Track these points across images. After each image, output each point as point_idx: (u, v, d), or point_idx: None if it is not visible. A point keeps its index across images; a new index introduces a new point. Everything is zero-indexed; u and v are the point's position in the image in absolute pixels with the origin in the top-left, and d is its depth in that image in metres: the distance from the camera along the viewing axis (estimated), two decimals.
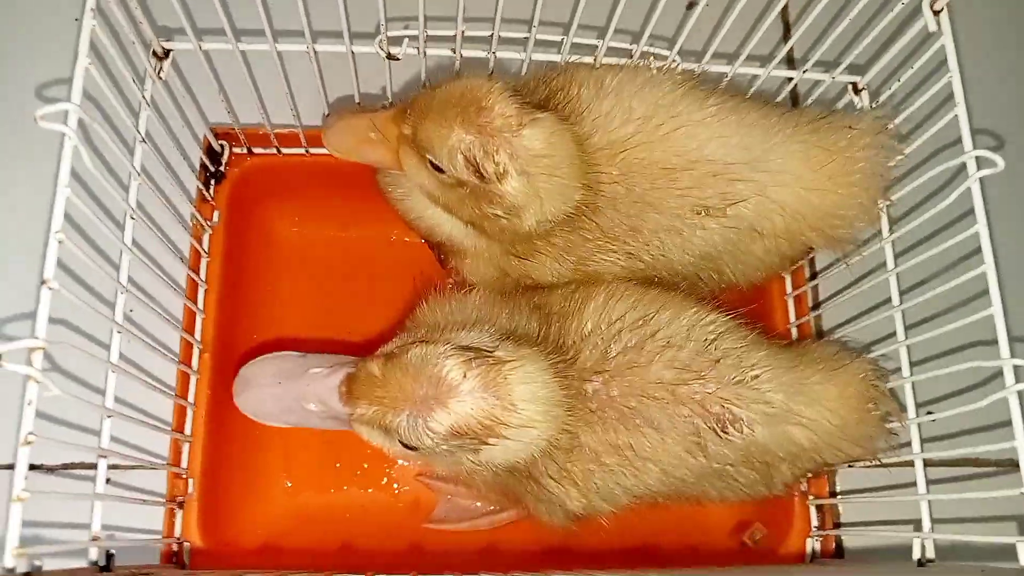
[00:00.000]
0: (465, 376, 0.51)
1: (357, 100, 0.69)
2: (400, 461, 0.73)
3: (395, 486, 0.73)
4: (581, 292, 0.61)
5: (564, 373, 0.55)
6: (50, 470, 0.66)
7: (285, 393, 0.59)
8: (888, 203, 0.64)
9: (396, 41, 0.63)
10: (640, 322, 0.58)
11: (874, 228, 0.65)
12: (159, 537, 0.63)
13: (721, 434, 0.57)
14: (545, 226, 0.58)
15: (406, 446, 0.53)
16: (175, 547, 0.63)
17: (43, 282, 0.44)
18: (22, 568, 0.40)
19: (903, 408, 0.64)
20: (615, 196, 0.60)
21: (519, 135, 0.54)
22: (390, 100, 0.69)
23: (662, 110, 0.60)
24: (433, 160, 0.56)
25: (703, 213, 0.60)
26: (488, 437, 0.51)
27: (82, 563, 0.49)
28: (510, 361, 0.52)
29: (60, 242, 0.45)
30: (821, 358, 0.63)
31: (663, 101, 0.60)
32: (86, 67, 0.48)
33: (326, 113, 0.70)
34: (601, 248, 0.62)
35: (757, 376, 0.58)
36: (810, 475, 0.69)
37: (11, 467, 0.42)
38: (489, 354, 0.52)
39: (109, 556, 0.50)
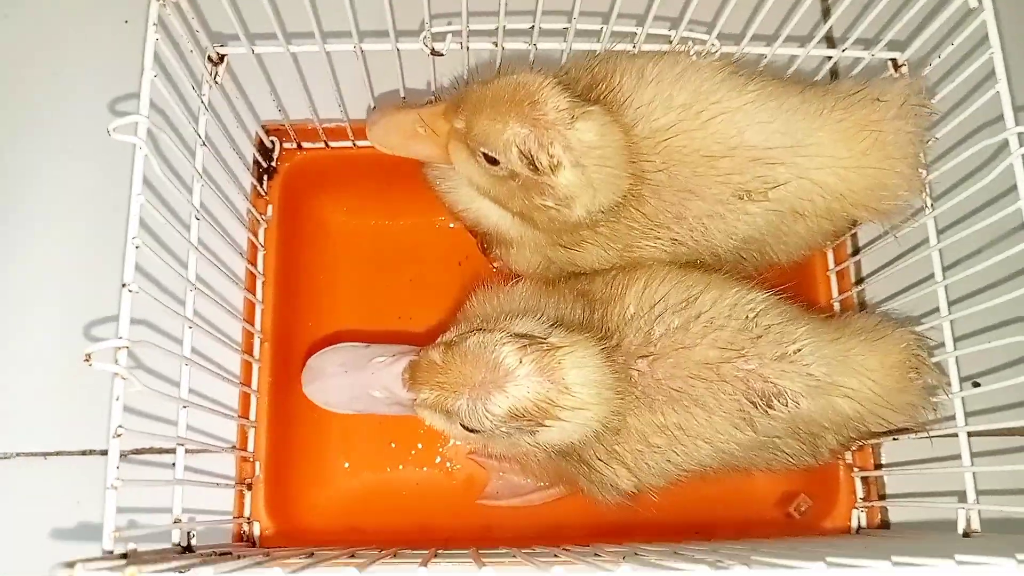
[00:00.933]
0: (521, 361, 0.53)
1: (402, 95, 0.70)
2: (457, 442, 0.75)
3: (448, 464, 0.76)
4: (622, 277, 0.63)
5: (613, 357, 0.57)
6: (125, 455, 0.70)
7: (352, 382, 0.62)
8: (927, 170, 0.64)
9: (440, 37, 0.65)
10: (683, 303, 0.60)
11: (919, 197, 0.65)
12: (231, 517, 0.66)
13: (767, 409, 0.58)
14: (594, 216, 0.59)
15: (467, 429, 0.56)
16: (245, 526, 0.67)
17: (123, 285, 0.47)
18: (119, 550, 0.44)
19: (945, 376, 0.64)
20: (659, 184, 0.61)
21: (572, 128, 0.55)
22: (434, 95, 0.70)
23: (702, 97, 0.61)
24: (488, 153, 0.57)
25: (745, 198, 0.61)
26: (544, 419, 0.54)
27: (166, 544, 0.53)
28: (563, 347, 0.54)
29: (137, 247, 0.48)
30: (863, 329, 0.64)
31: (703, 88, 0.61)
32: (151, 80, 0.51)
33: (372, 106, 0.72)
34: (647, 235, 0.63)
35: (799, 350, 0.59)
36: (855, 444, 0.70)
37: (103, 452, 0.45)
38: (543, 340, 0.54)
39: (190, 537, 0.53)
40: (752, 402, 0.58)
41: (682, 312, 0.60)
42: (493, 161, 0.57)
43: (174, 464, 0.56)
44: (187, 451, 0.57)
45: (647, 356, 0.59)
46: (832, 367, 0.60)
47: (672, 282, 0.61)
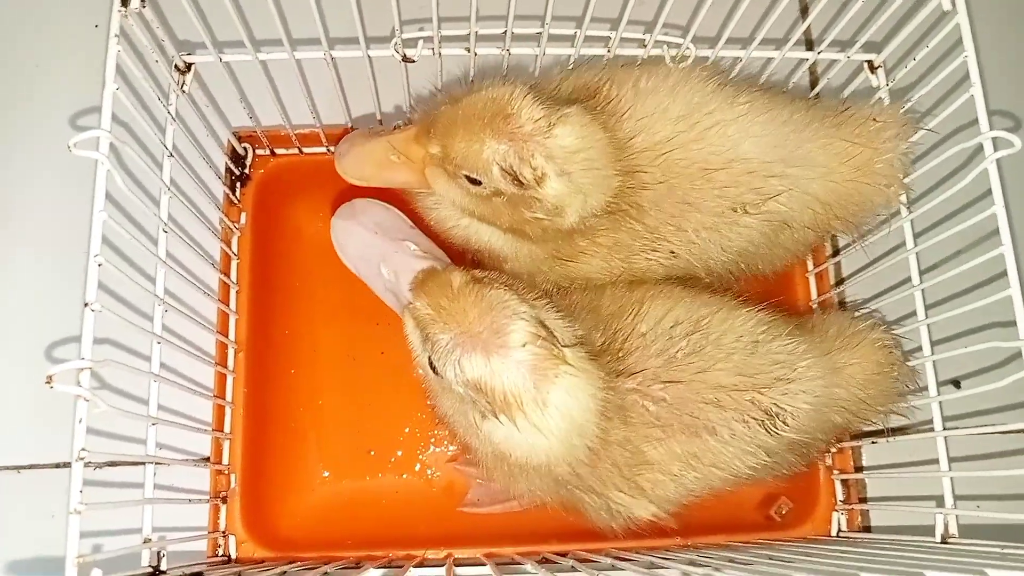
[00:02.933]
0: (524, 345, 0.49)
1: (377, 118, 0.69)
2: (432, 448, 0.74)
3: (429, 472, 0.75)
4: (632, 295, 0.61)
5: (612, 388, 0.54)
6: (94, 470, 0.69)
7: (374, 243, 0.60)
8: (908, 191, 0.65)
9: (411, 43, 0.64)
10: (695, 328, 0.58)
11: (890, 210, 0.66)
12: (206, 532, 0.65)
13: (773, 432, 0.58)
14: (587, 220, 0.58)
15: (431, 365, 0.52)
16: (220, 541, 0.66)
17: (86, 304, 0.46)
18: None
19: (914, 369, 0.65)
20: (659, 196, 0.60)
21: (551, 136, 0.53)
22: (409, 107, 0.70)
23: (697, 109, 0.60)
24: (468, 175, 0.56)
25: (740, 211, 0.61)
26: (501, 413, 0.50)
27: (136, 566, 0.52)
28: (571, 365, 0.50)
29: (100, 265, 0.47)
30: (840, 333, 0.64)
31: (696, 100, 0.60)
32: (114, 92, 0.50)
33: (346, 119, 0.72)
34: (646, 247, 0.62)
35: (797, 370, 0.58)
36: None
37: (65, 465, 0.44)
38: (558, 345, 0.50)
39: (160, 557, 0.53)
40: (761, 426, 0.57)
41: (696, 335, 0.58)
42: (475, 182, 0.56)
43: (144, 483, 0.55)
44: (158, 465, 0.56)
45: (663, 380, 0.56)
46: (828, 381, 0.60)
47: (684, 303, 0.60)
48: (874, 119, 0.63)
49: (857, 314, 0.68)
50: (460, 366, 0.49)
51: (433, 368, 0.52)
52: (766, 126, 0.61)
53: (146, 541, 0.52)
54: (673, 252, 0.63)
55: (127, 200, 0.52)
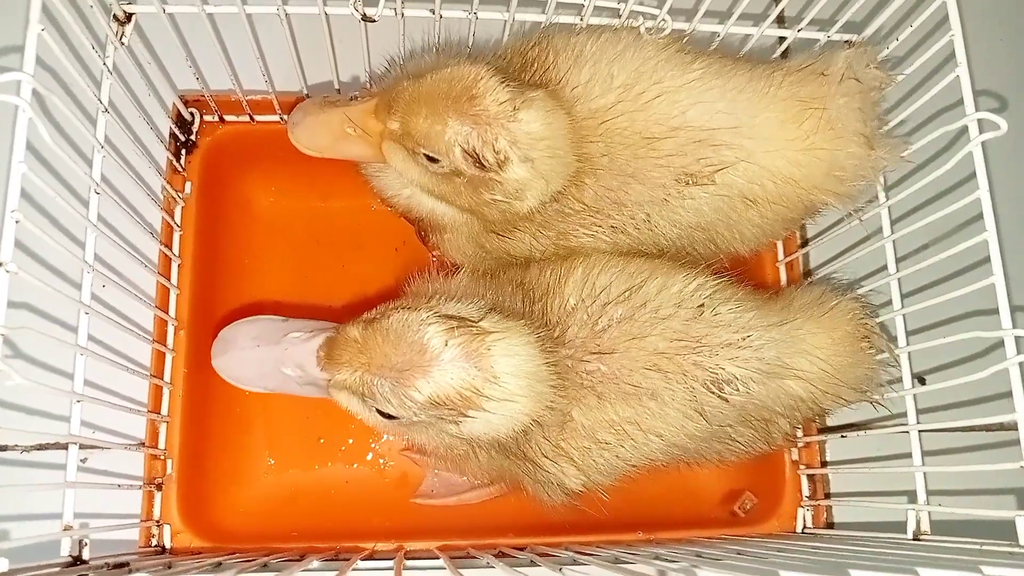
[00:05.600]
0: (447, 344, 0.49)
1: (336, 86, 0.65)
2: (385, 436, 0.71)
3: (381, 461, 0.72)
4: (560, 266, 0.60)
5: (551, 349, 0.53)
6: (25, 450, 0.64)
7: (264, 357, 0.57)
8: (885, 151, 0.60)
9: (372, 1, 0.60)
10: (627, 293, 0.57)
11: (879, 176, 0.62)
12: (137, 521, 0.61)
13: (718, 396, 0.56)
14: (545, 205, 0.57)
15: (384, 415, 0.52)
16: (155, 530, 0.62)
17: (0, 264, 0.42)
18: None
19: (894, 340, 0.63)
20: (599, 169, 0.58)
21: (516, 120, 0.52)
22: (367, 67, 0.66)
23: (644, 77, 0.58)
24: (428, 153, 0.54)
25: (688, 182, 0.58)
26: (468, 409, 0.50)
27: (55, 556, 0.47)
28: (494, 332, 0.50)
29: (17, 221, 0.43)
30: (808, 304, 0.62)
31: (645, 67, 0.58)
32: (39, 33, 0.45)
33: (301, 85, 0.68)
34: (583, 222, 0.60)
35: (748, 335, 0.57)
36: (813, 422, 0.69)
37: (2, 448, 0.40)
38: (473, 324, 0.51)
39: (81, 546, 0.48)
40: (703, 391, 0.56)
41: (627, 302, 0.57)
42: (434, 160, 0.54)
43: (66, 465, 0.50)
44: (92, 448, 0.52)
45: (596, 350, 0.55)
46: (781, 349, 0.58)
47: (614, 270, 0.58)
48: (823, 73, 0.59)
49: (825, 286, 0.65)
50: (409, 398, 0.50)
51: (388, 416, 0.52)
52: (719, 92, 0.58)
53: (66, 528, 0.48)
54: (615, 227, 0.61)
55: (54, 156, 0.48)
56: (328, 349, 0.53)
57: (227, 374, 0.60)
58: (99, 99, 0.55)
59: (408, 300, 0.55)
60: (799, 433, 0.70)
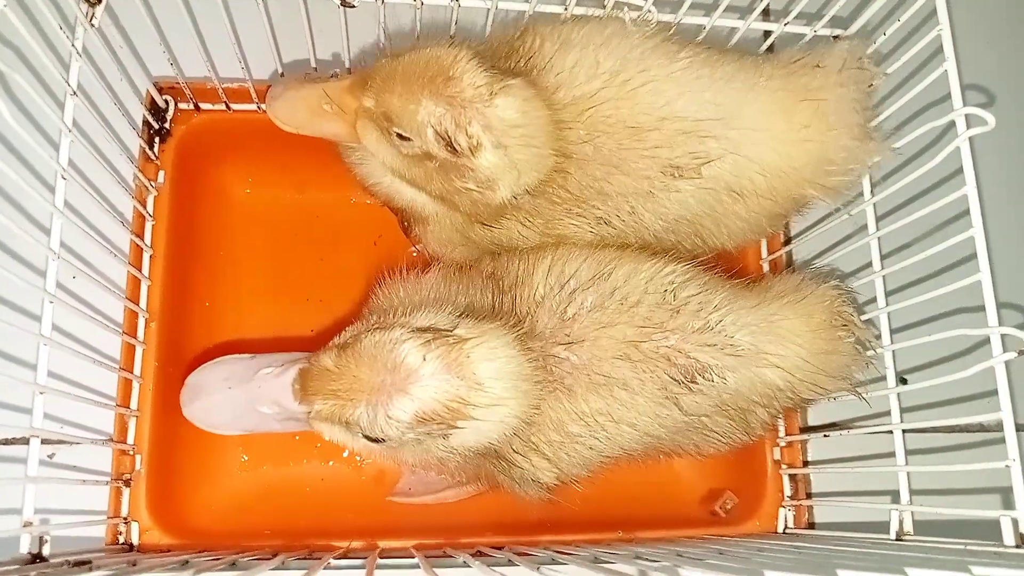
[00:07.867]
0: (424, 359, 0.49)
1: (313, 65, 0.64)
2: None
3: (358, 459, 0.70)
4: (530, 256, 0.59)
5: (527, 344, 0.53)
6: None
7: (237, 398, 0.56)
8: (875, 143, 0.60)
9: None
10: (595, 279, 0.56)
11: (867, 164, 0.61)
12: (103, 518, 0.59)
13: (691, 385, 0.55)
14: (520, 198, 0.55)
15: (370, 439, 0.51)
16: (122, 527, 0.60)
17: None
18: None
19: (875, 329, 0.62)
20: (582, 157, 0.57)
21: (491, 105, 0.51)
22: (347, 54, 0.64)
23: (631, 64, 0.57)
24: (400, 132, 0.53)
25: (674, 175, 0.57)
26: (456, 420, 0.49)
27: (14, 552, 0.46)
28: (471, 338, 0.50)
29: None
30: (785, 291, 0.61)
31: (632, 55, 0.57)
32: (1, 8, 0.43)
33: (278, 71, 0.66)
34: (569, 212, 0.59)
35: (721, 321, 0.56)
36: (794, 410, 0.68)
37: None
38: (448, 333, 0.50)
39: (42, 543, 0.46)
40: (675, 379, 0.55)
41: (595, 290, 0.56)
42: (406, 138, 0.53)
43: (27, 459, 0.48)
44: (50, 443, 0.50)
45: (566, 340, 0.55)
46: (756, 336, 0.57)
47: (581, 259, 0.58)
48: (818, 65, 0.58)
49: (803, 273, 0.63)
50: (393, 418, 0.49)
51: (375, 440, 0.51)
52: (706, 82, 0.57)
53: (26, 524, 0.46)
54: (601, 219, 0.60)
55: (17, 138, 0.46)
56: (303, 381, 0.52)
57: (201, 421, 0.59)
58: (67, 82, 0.53)
59: (377, 318, 0.54)
60: (781, 432, 0.69)
